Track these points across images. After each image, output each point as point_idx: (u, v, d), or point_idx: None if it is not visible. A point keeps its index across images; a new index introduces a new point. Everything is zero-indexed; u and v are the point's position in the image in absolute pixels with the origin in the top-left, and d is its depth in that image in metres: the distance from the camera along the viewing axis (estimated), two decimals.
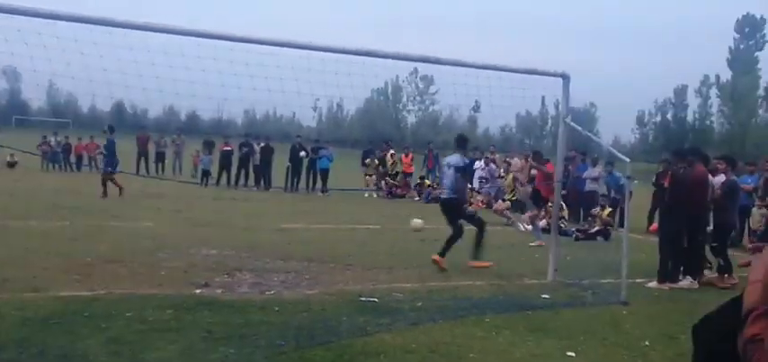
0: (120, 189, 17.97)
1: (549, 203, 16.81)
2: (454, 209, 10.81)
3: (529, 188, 16.40)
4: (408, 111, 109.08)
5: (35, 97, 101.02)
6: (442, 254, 10.41)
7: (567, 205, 16.71)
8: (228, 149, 25.85)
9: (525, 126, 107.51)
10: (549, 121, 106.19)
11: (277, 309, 7.58)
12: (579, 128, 10.75)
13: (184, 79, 8.10)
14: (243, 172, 25.61)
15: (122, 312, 6.95)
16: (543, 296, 9.18)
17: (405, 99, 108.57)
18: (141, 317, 6.86)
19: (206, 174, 25.68)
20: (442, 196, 11.46)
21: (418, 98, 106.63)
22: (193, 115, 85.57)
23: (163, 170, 30.61)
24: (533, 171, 16.41)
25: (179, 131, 36.15)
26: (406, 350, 6.45)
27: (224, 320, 6.99)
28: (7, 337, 6.04)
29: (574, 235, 15.49)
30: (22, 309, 6.88)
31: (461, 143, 11.39)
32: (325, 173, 24.79)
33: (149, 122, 66.84)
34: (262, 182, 25.22)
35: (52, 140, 31.64)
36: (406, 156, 26.43)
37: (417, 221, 12.59)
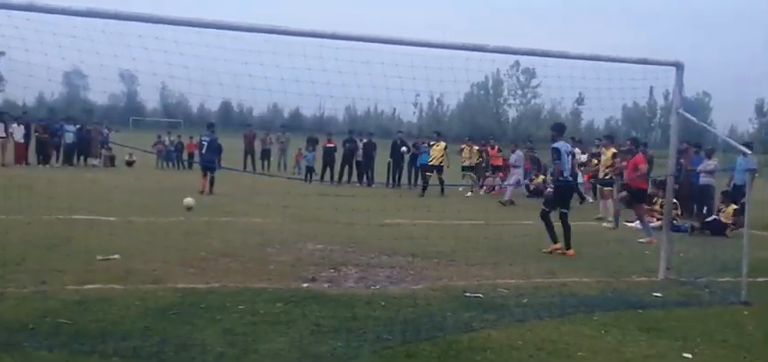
0: (208, 188, 19.05)
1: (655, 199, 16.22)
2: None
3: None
4: (509, 105, 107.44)
5: (150, 99, 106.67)
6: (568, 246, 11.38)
7: (679, 201, 15.97)
8: (332, 145, 26.33)
9: (632, 118, 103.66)
10: (658, 112, 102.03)
11: (383, 303, 7.67)
12: (693, 118, 10.23)
13: (291, 78, 8.28)
14: (346, 168, 26.05)
15: (235, 305, 7.23)
16: (655, 295, 8.83)
17: (505, 93, 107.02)
18: (253, 309, 7.11)
19: (310, 170, 26.26)
20: (568, 179, 12.08)
21: (520, 92, 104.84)
22: (296, 113, 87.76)
23: (268, 167, 31.55)
24: (623, 163, 15.80)
25: (283, 128, 37.14)
26: (513, 347, 6.37)
27: (331, 313, 7.13)
28: (132, 325, 6.41)
29: (688, 229, 14.86)
30: (144, 299, 7.29)
31: (562, 130, 12.39)
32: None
33: (254, 120, 68.94)
34: (365, 178, 25.54)
35: (166, 139, 33.27)
36: (493, 148, 25.95)
37: (188, 200, 14.22)
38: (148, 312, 6.85)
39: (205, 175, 19.48)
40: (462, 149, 25.53)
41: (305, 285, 8.47)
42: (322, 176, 25.71)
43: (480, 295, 8.26)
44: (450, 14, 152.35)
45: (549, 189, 12.44)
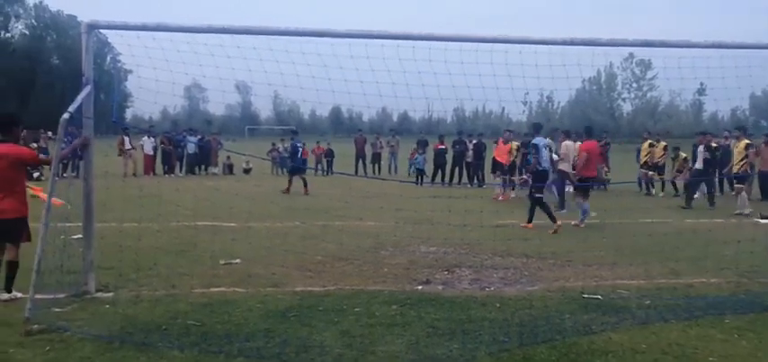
0: (303, 189, 20.61)
1: None
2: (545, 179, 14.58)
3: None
4: (624, 99, 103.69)
5: (263, 108, 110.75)
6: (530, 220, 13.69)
7: None
8: (443, 147, 26.30)
9: (761, 107, 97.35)
10: None
11: (498, 305, 7.59)
12: None
13: (400, 82, 8.35)
14: (457, 169, 25.94)
15: (352, 307, 7.37)
16: None
17: (619, 86, 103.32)
18: (369, 312, 7.22)
19: (421, 173, 26.33)
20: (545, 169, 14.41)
21: (634, 85, 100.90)
22: (405, 116, 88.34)
23: (379, 170, 31.94)
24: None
25: (393, 132, 37.49)
26: (636, 351, 6.15)
27: (447, 315, 7.13)
28: (255, 327, 6.66)
29: None
30: (265, 302, 7.57)
31: (539, 128, 15.06)
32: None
33: (364, 124, 69.99)
34: (476, 179, 25.33)
35: (280, 146, 34.34)
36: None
37: None
38: (269, 315, 7.10)
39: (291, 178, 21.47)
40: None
41: (419, 287, 8.50)
42: (433, 179, 25.70)
43: (599, 297, 8.01)
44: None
45: (527, 177, 15.22)
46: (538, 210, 13.78)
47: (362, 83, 8.10)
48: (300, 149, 24.63)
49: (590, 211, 14.56)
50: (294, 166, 22.57)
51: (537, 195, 13.92)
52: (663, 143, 23.21)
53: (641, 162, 23.35)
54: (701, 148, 19.21)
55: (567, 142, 17.66)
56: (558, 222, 13.29)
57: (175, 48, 7.65)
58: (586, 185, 15.20)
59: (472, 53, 8.08)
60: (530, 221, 13.84)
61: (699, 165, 19.01)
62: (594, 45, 8.63)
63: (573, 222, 14.18)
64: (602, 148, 25.19)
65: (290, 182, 21.37)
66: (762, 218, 15.28)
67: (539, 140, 14.40)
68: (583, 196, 14.89)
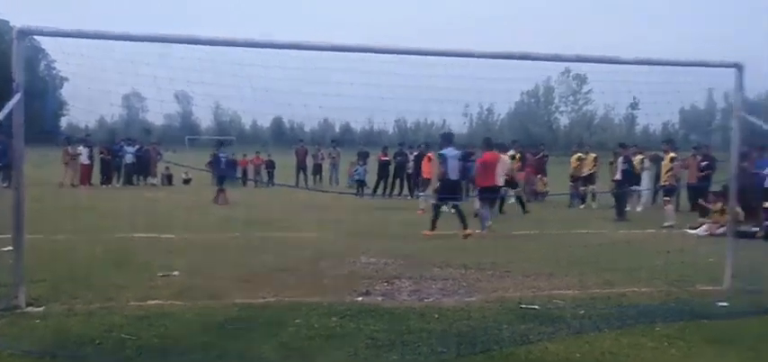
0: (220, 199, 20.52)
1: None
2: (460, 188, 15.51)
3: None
4: (561, 112, 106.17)
5: (204, 118, 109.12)
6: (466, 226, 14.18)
7: (742, 206, 15.49)
8: (386, 159, 26.40)
9: (690, 121, 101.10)
10: (718, 114, 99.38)
11: (437, 316, 7.65)
12: (757, 121, 9.89)
13: (341, 93, 8.38)
14: (398, 181, 26.07)
15: (291, 319, 7.32)
16: (720, 304, 8.53)
17: (556, 100, 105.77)
18: (309, 324, 7.18)
19: (361, 184, 26.36)
20: (453, 179, 14.92)
21: (571, 98, 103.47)
22: (347, 127, 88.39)
23: (320, 182, 31.86)
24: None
25: (334, 143, 37.46)
26: (571, 360, 6.30)
27: (386, 327, 7.15)
28: (192, 340, 6.56)
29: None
30: (203, 315, 7.46)
31: (450, 139, 15.66)
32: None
33: (305, 135, 69.66)
34: (417, 190, 25.48)
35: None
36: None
37: None
38: (207, 328, 7.00)
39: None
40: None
41: (359, 298, 8.51)
42: (375, 190, 25.76)
43: (536, 307, 8.17)
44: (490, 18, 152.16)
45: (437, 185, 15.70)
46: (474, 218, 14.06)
47: (303, 94, 8.11)
48: (223, 161, 24.63)
49: (489, 219, 15.36)
50: (219, 175, 22.77)
51: (436, 203, 15.05)
52: (593, 155, 23.80)
53: (569, 175, 23.96)
54: (620, 159, 19.96)
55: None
56: (469, 230, 14.11)
57: (112, 56, 7.51)
58: (491, 196, 15.91)
59: (413, 66, 8.18)
60: (433, 228, 14.50)
61: (618, 176, 19.77)
62: (531, 59, 8.82)
63: (478, 231, 14.64)
64: (539, 160, 25.85)
65: (218, 192, 21.17)
66: (691, 229, 15.85)
67: (448, 151, 14.92)
68: (483, 205, 15.43)
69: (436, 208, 14.88)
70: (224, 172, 23.08)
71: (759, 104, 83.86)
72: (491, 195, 15.95)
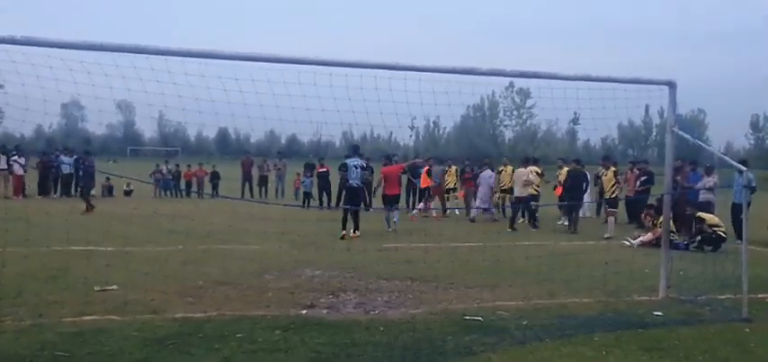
0: (89, 208, 20.69)
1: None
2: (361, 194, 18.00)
3: None
4: (505, 126, 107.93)
5: (147, 128, 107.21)
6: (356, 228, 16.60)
7: (675, 218, 16.00)
8: (324, 170, 26.29)
9: (629, 137, 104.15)
10: (654, 130, 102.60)
11: (382, 329, 7.65)
12: (688, 136, 10.26)
13: (287, 105, 8.30)
14: (343, 193, 25.95)
15: (233, 333, 7.21)
16: (655, 313, 8.80)
17: (501, 114, 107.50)
18: (251, 338, 7.09)
19: (307, 196, 26.21)
20: (354, 185, 17.35)
21: (515, 113, 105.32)
22: (293, 139, 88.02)
23: (266, 194, 31.56)
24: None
25: (280, 154, 37.20)
26: None
27: (330, 340, 7.11)
28: (130, 357, 6.39)
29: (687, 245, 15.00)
30: (142, 330, 7.27)
31: (356, 150, 18.42)
32: (424, 191, 24.70)
33: (251, 146, 69.05)
34: (362, 203, 25.42)
35: (164, 168, 33.28)
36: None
37: None
38: (146, 343, 6.82)
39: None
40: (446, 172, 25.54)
41: (303, 311, 8.44)
42: (320, 202, 25.62)
43: (480, 318, 8.24)
44: (443, 37, 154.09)
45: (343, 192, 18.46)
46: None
47: (247, 105, 8.00)
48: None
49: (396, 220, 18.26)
50: (83, 185, 22.83)
51: (345, 206, 17.36)
52: (510, 167, 24.15)
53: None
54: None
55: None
56: (354, 234, 16.33)
57: (48, 63, 7.27)
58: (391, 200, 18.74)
59: (358, 79, 8.17)
60: (348, 228, 16.44)
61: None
62: (475, 73, 8.95)
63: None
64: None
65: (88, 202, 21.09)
66: (628, 241, 16.26)
67: (350, 161, 17.43)
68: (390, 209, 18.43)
69: (346, 212, 16.93)
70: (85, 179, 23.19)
71: (692, 119, 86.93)
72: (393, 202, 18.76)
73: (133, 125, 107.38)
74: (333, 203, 25.41)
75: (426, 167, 23.77)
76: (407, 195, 24.96)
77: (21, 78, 7.25)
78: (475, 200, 23.61)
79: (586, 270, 11.18)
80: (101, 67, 7.56)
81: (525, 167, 20.80)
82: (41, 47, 7.22)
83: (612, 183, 19.72)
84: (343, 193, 17.91)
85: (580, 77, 9.18)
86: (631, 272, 10.77)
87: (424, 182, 23.51)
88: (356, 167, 17.29)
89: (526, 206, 20.51)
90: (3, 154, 26.30)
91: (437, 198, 23.99)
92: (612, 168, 19.93)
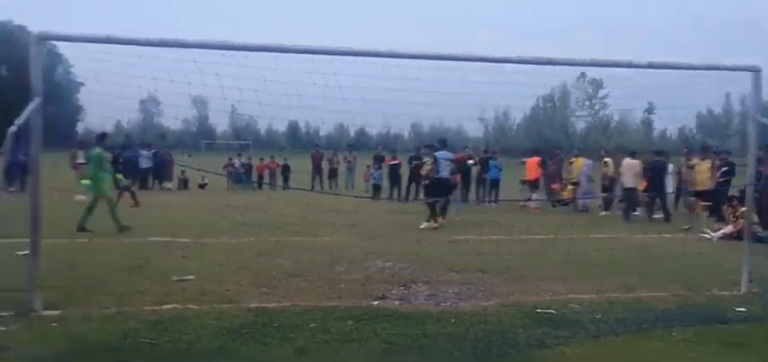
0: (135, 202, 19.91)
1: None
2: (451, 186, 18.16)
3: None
4: (577, 116, 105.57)
5: (220, 123, 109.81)
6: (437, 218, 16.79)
7: (759, 211, 15.34)
8: (396, 162, 26.34)
9: (708, 126, 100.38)
10: (736, 118, 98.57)
11: (453, 320, 7.63)
12: None
13: (357, 97, 8.38)
14: (413, 185, 25.99)
15: (307, 323, 7.32)
16: (738, 309, 8.45)
17: (573, 104, 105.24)
18: (324, 328, 7.18)
19: (377, 188, 26.34)
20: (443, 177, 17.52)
21: (587, 103, 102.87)
22: (362, 131, 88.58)
23: (336, 186, 31.89)
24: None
25: (350, 147, 37.48)
26: None
27: (402, 331, 7.14)
28: (208, 345, 6.58)
29: None
30: (219, 319, 7.47)
31: (444, 143, 18.65)
32: (495, 183, 24.51)
33: (321, 139, 69.81)
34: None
35: (236, 161, 34.02)
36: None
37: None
38: (223, 332, 7.01)
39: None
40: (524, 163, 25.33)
41: (375, 302, 8.51)
42: (390, 194, 25.69)
43: (552, 311, 8.12)
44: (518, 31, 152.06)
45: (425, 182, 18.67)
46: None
47: (319, 98, 8.11)
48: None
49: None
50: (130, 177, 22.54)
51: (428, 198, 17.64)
52: (581, 159, 23.64)
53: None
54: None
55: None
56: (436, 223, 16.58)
57: (129, 61, 7.55)
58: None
59: (431, 71, 8.16)
60: (435, 220, 16.77)
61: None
62: (547, 64, 8.80)
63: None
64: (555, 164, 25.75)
65: (120, 195, 20.02)
66: (708, 234, 15.70)
67: (439, 154, 17.64)
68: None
69: (431, 205, 17.10)
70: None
71: None
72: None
73: (207, 120, 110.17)
74: (402, 196, 25.46)
75: (537, 158, 23.53)
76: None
77: (104, 75, 7.55)
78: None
79: (663, 263, 10.87)
80: (178, 63, 7.79)
81: (631, 159, 20.47)
82: (123, 45, 7.49)
83: (708, 175, 18.99)
84: (432, 185, 17.70)
85: (656, 65, 8.88)
86: (711, 265, 10.42)
87: (532, 173, 23.26)
88: (446, 160, 17.49)
89: (629, 197, 20.01)
90: (80, 148, 27.31)
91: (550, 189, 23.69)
92: (707, 160, 19.24)
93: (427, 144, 21.16)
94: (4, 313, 7.27)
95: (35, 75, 7.51)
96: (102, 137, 15.72)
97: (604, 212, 21.53)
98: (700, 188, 18.14)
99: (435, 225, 16.51)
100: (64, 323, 7.21)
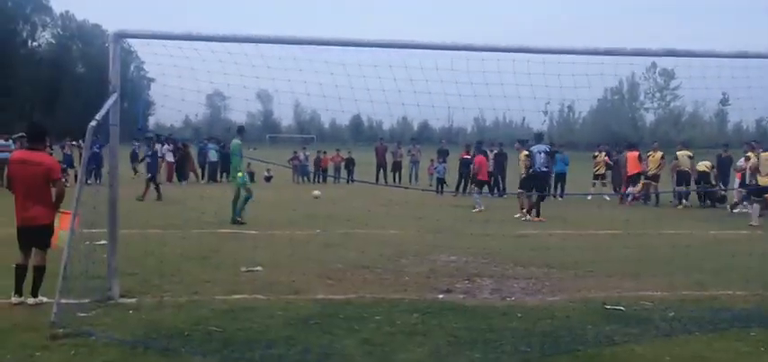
0: (158, 195, 20.18)
1: None
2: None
3: None
4: (646, 108, 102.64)
5: (284, 116, 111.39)
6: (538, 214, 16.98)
7: None
8: (468, 156, 26.18)
9: None
10: None
11: (520, 315, 7.55)
12: None
13: (422, 91, 8.36)
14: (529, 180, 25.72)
15: (373, 315, 7.37)
16: None
17: (642, 96, 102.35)
18: (390, 320, 7.21)
19: (441, 182, 26.26)
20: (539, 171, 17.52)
21: (657, 94, 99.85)
22: (425, 125, 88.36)
23: (400, 179, 31.94)
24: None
25: (414, 141, 37.45)
26: None
27: (468, 325, 7.11)
28: (276, 335, 6.69)
29: None
30: (287, 310, 7.60)
31: (540, 138, 18.38)
32: (561, 177, 24.12)
33: (384, 133, 69.98)
34: (497, 189, 25.13)
35: (301, 154, 34.44)
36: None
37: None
38: (290, 322, 7.12)
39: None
40: (595, 156, 24.84)
41: (440, 296, 8.49)
42: (457, 188, 25.54)
43: (622, 308, 7.94)
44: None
45: (523, 175, 18.57)
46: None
47: (384, 91, 8.14)
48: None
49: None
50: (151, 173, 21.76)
51: (540, 194, 17.69)
52: (659, 153, 22.94)
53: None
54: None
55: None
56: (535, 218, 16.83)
57: (200, 56, 7.74)
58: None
59: (494, 63, 8.07)
60: (538, 215, 16.98)
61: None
62: (617, 55, 8.58)
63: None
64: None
65: (147, 187, 20.71)
66: None
67: (535, 148, 17.66)
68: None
69: (539, 198, 17.52)
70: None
71: None
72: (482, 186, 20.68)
73: (272, 114, 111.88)
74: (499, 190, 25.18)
75: (636, 152, 23.10)
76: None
77: (177, 71, 7.78)
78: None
79: (741, 261, 10.46)
80: (247, 58, 7.94)
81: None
82: (196, 41, 7.68)
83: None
84: (529, 178, 17.99)
85: (735, 54, 8.54)
86: None
87: (633, 167, 22.79)
88: (541, 153, 17.51)
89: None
90: (159, 142, 28.19)
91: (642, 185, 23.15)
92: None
93: (520, 139, 21.59)
94: (86, 300, 7.57)
95: (113, 71, 7.79)
96: (240, 130, 16.32)
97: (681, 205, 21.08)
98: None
99: (540, 219, 16.73)
100: (140, 310, 7.48)
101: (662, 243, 11.65)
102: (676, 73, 78.61)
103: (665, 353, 6.34)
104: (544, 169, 17.72)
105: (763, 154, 17.65)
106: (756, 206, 16.94)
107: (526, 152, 18.58)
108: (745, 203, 19.17)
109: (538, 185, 17.75)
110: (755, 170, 17.01)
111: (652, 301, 8.36)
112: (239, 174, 15.28)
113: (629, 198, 22.20)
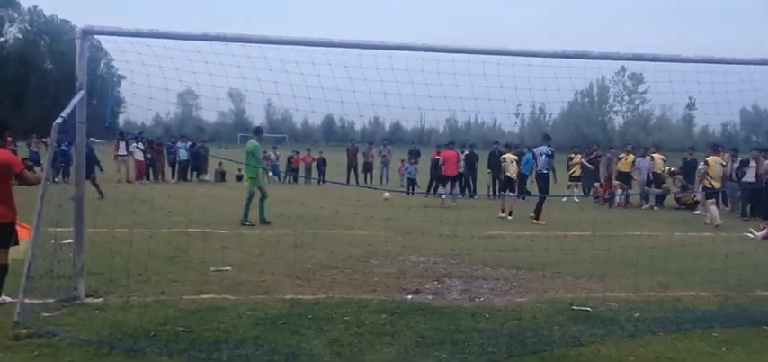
0: (100, 194, 19.61)
1: None
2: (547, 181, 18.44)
3: None
4: (615, 112, 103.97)
5: (256, 116, 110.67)
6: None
7: None
8: (438, 157, 26.26)
9: (752, 122, 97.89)
10: None
11: (488, 316, 7.62)
12: None
13: (393, 92, 8.37)
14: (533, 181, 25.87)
15: (341, 316, 7.39)
16: None
17: (611, 99, 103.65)
18: (359, 321, 7.23)
19: (412, 183, 26.32)
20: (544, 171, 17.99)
21: (626, 98, 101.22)
22: (397, 125, 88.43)
23: (371, 180, 31.94)
24: None
25: (385, 141, 37.47)
26: None
27: (436, 325, 7.15)
28: (244, 334, 6.67)
29: None
30: (255, 309, 7.58)
31: (547, 139, 18.60)
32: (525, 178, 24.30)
33: (356, 133, 69.88)
34: (467, 190, 25.29)
35: (272, 154, 34.24)
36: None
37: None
38: (259, 322, 7.11)
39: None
40: (571, 158, 25.10)
41: (409, 296, 8.52)
42: (428, 189, 25.60)
43: (588, 309, 8.04)
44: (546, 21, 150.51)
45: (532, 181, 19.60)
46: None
47: (355, 92, 8.12)
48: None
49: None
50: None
51: (542, 196, 17.82)
52: (632, 156, 23.38)
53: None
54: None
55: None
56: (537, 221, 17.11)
57: (169, 54, 7.66)
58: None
59: (464, 65, 8.12)
60: (537, 217, 17.31)
61: None
62: (586, 58, 8.66)
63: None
64: (591, 160, 25.51)
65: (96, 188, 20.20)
66: (752, 233, 15.39)
67: (537, 149, 18.23)
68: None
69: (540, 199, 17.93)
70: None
71: None
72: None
73: (243, 113, 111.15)
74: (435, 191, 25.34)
75: (632, 156, 23.39)
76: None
77: (145, 69, 7.69)
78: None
79: (704, 263, 10.65)
80: (217, 56, 7.89)
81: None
82: (164, 39, 7.60)
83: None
84: (533, 180, 19.02)
85: (700, 59, 8.69)
86: (755, 266, 10.15)
87: (626, 169, 23.10)
88: (542, 155, 17.94)
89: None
90: (123, 140, 27.85)
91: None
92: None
93: (506, 143, 22.16)
94: (51, 300, 7.46)
95: (80, 68, 7.68)
96: (257, 131, 16.17)
97: (647, 206, 21.76)
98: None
99: (542, 222, 17.02)
100: (106, 310, 7.39)
101: (628, 245, 11.79)
102: (645, 77, 79.82)
103: (630, 353, 6.44)
104: (545, 171, 18.02)
105: (711, 159, 18.13)
106: (713, 208, 17.42)
107: (514, 155, 19.53)
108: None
109: (539, 186, 18.24)
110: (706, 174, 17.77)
111: (617, 302, 8.49)
112: (251, 177, 15.25)
113: (617, 200, 22.82)
